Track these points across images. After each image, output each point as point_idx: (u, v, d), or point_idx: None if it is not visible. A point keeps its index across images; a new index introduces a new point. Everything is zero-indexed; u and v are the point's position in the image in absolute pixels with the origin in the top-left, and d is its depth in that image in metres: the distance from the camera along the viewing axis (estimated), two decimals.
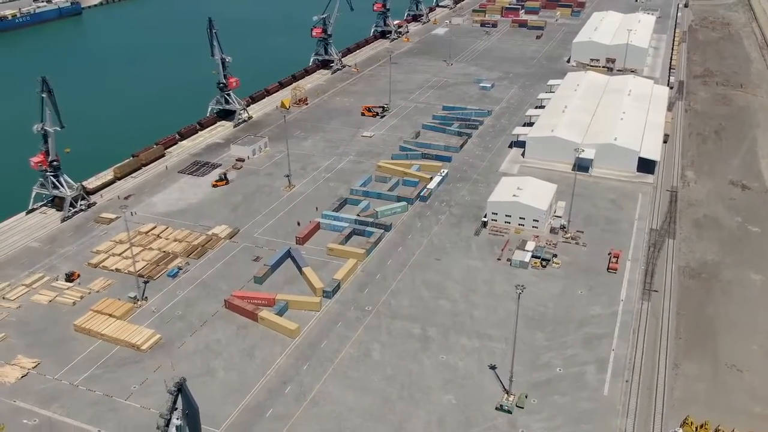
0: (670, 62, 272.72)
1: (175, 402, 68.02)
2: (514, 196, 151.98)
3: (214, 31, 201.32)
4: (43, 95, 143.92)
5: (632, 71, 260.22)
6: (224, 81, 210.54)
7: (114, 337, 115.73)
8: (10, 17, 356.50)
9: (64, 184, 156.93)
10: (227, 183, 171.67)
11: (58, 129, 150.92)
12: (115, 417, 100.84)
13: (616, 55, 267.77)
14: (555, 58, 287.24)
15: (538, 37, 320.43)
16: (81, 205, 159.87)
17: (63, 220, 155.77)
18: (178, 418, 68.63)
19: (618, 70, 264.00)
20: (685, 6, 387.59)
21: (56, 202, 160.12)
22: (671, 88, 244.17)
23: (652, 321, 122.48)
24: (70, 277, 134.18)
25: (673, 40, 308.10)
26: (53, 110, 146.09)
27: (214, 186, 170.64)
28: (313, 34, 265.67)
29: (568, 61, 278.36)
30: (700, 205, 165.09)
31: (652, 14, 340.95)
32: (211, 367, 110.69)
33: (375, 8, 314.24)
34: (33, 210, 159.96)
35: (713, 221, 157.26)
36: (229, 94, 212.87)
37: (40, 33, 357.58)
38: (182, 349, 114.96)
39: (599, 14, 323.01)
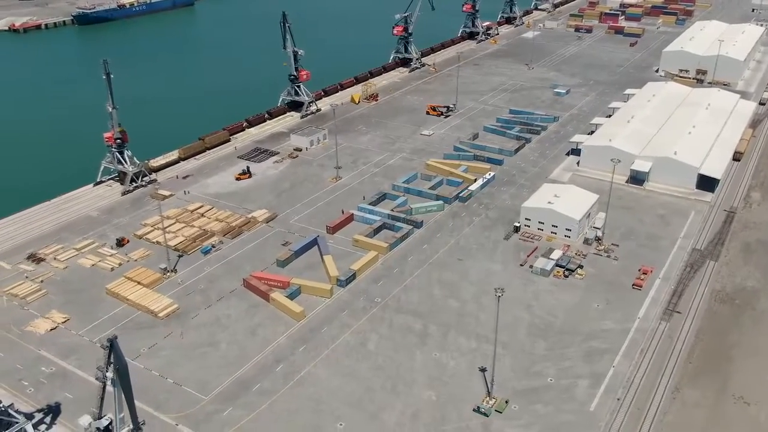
0: None
1: (109, 356, 74.56)
2: (549, 203, 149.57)
3: (287, 24, 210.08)
4: (104, 77, 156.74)
5: (725, 84, 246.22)
6: (295, 73, 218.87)
7: (137, 303, 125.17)
8: (128, 6, 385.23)
9: (127, 160, 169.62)
10: (250, 176, 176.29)
11: (110, 109, 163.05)
12: None
13: (708, 67, 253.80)
14: (644, 67, 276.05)
15: (632, 45, 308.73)
16: (142, 181, 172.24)
17: (123, 194, 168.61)
18: (112, 372, 75.30)
19: (709, 83, 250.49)
20: None
21: (121, 177, 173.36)
22: (762, 104, 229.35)
23: (665, 342, 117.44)
24: (120, 242, 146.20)
25: None
26: (109, 92, 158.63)
27: (237, 179, 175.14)
28: (395, 32, 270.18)
29: (657, 71, 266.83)
30: (757, 228, 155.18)
31: (764, 25, 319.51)
32: (215, 340, 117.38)
33: (464, 9, 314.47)
34: (100, 182, 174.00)
35: (765, 246, 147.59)
36: (299, 86, 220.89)
37: (153, 21, 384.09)
38: (195, 320, 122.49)
39: (701, 23, 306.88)
